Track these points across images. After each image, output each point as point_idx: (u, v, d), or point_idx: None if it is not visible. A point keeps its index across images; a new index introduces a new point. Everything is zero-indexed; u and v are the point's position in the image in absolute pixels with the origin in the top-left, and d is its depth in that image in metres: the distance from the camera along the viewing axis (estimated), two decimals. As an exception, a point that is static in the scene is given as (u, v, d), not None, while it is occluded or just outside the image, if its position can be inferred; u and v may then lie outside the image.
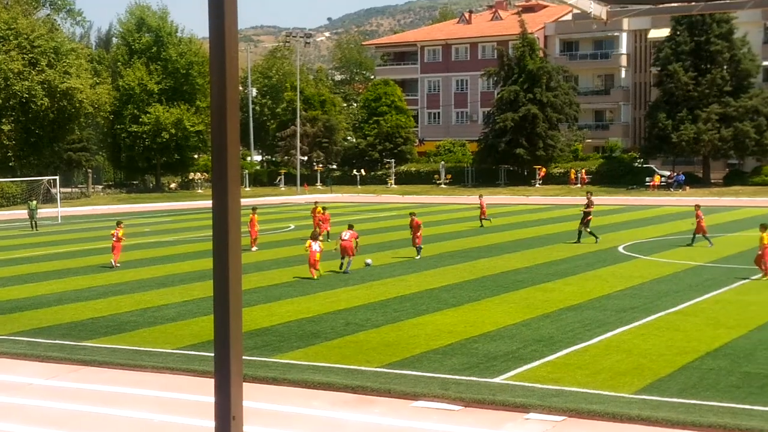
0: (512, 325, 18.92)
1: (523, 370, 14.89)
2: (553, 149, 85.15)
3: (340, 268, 28.16)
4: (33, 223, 49.54)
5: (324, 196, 78.36)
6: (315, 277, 26.72)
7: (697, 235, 34.08)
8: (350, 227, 29.41)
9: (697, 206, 35.23)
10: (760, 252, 25.63)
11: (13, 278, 28.26)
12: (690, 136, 76.13)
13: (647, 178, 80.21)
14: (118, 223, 32.01)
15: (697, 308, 20.63)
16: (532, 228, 43.39)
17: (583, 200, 38.75)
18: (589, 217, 36.44)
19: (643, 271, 27.15)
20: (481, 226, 44.19)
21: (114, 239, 30.93)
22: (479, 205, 45.68)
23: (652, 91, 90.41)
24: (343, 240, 28.37)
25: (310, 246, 27.13)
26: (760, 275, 25.26)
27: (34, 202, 52.11)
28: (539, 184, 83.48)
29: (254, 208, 36.21)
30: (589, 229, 36.30)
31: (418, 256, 31.64)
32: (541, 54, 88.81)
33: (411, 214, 33.60)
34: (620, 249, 33.60)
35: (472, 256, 31.86)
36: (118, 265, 30.49)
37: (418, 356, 16.11)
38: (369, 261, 29.67)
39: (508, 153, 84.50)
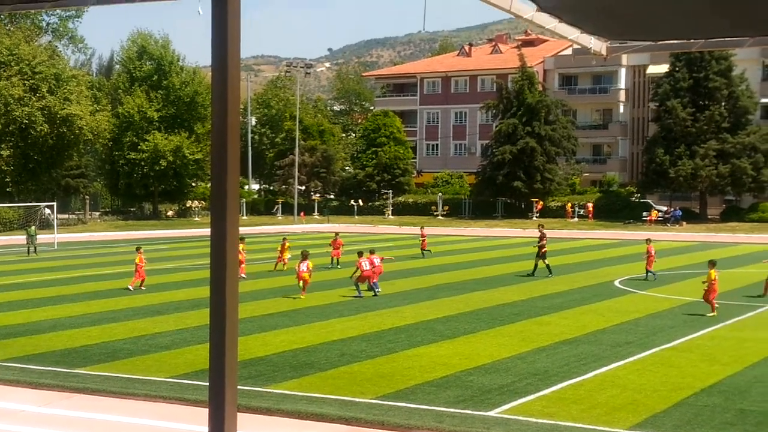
0: (507, 358, 18.86)
1: (517, 404, 14.82)
2: (550, 182, 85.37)
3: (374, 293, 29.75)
4: (32, 248, 49.43)
5: (321, 226, 78.37)
6: (302, 296, 28.54)
7: (648, 271, 34.85)
8: (372, 252, 31.05)
9: (648, 240, 36.29)
10: (706, 289, 25.42)
11: (8, 304, 28.16)
12: (687, 172, 76.38)
13: (644, 213, 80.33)
14: (138, 249, 33.19)
15: (693, 344, 20.58)
16: (529, 261, 43.33)
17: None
18: (543, 250, 36.49)
19: (639, 306, 27.12)
20: (423, 256, 45.30)
21: (137, 265, 32.05)
22: (420, 236, 47.17)
23: (650, 126, 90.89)
24: (365, 271, 29.77)
25: (298, 265, 28.82)
26: (711, 313, 25.00)
27: (33, 227, 52.12)
28: (536, 216, 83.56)
29: (242, 238, 34.61)
30: (546, 262, 36.26)
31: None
32: (540, 88, 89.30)
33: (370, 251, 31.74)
34: (616, 283, 33.58)
35: (467, 288, 31.83)
36: (131, 288, 31.45)
37: (413, 388, 16.04)
38: (378, 289, 30.21)
39: (506, 185, 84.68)
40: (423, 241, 46.70)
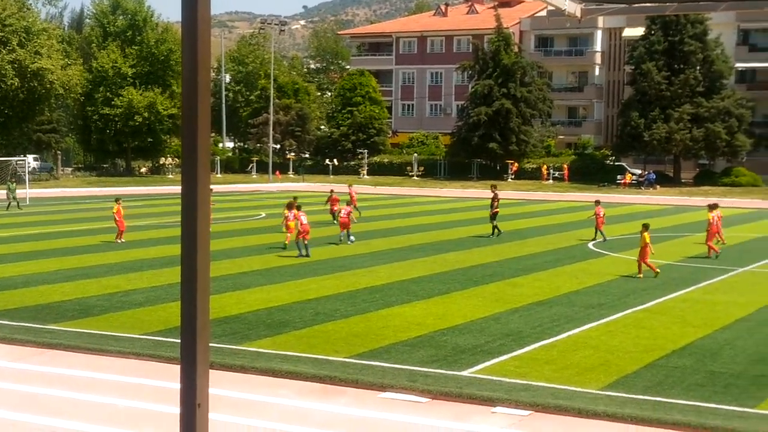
0: (481, 318, 18.96)
1: (490, 364, 14.92)
2: (525, 144, 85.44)
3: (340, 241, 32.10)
4: (15, 203, 50.17)
5: (296, 185, 78.17)
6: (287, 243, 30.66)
7: (599, 231, 35.41)
8: (299, 208, 30.51)
9: (597, 202, 36.84)
10: (640, 251, 25.75)
11: (-21, 259, 27.96)
12: (662, 136, 76.67)
13: (618, 176, 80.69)
14: (117, 200, 34.12)
15: (665, 306, 20.77)
16: (503, 222, 43.39)
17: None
18: (495, 211, 36.53)
19: (612, 269, 27.30)
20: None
21: (117, 215, 33.19)
22: (349, 195, 43.52)
23: (625, 89, 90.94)
24: (341, 216, 33.62)
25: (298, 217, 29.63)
26: (639, 275, 25.35)
27: (14, 183, 52.43)
28: (511, 178, 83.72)
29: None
30: (494, 223, 36.29)
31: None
32: (516, 49, 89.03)
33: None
34: (590, 246, 33.76)
35: (442, 249, 31.90)
36: (120, 241, 32.79)
37: (386, 348, 16.10)
38: (352, 238, 31.61)
39: (481, 147, 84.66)
40: (352, 199, 44.34)
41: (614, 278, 25.26)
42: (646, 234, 25.61)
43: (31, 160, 78.79)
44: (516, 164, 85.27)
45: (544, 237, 36.70)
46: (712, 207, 31.68)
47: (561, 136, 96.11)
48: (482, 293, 22.40)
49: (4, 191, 52.57)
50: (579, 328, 18.03)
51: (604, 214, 35.94)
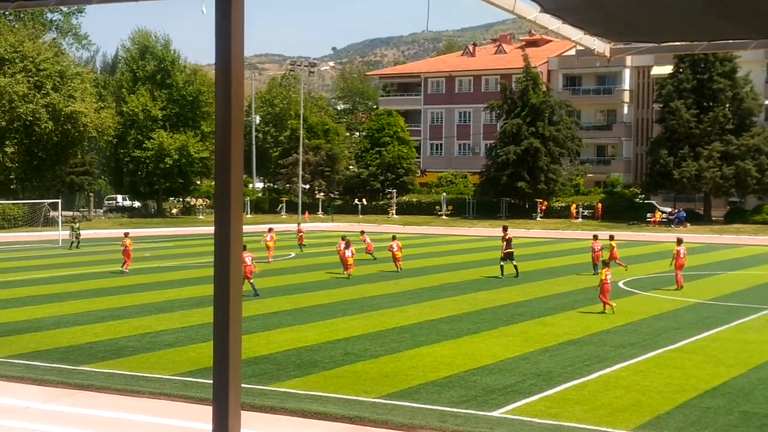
0: (511, 358, 18.88)
1: (521, 405, 14.84)
2: (554, 183, 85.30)
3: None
4: (76, 242, 52.17)
5: (325, 225, 78.39)
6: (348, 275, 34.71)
7: (595, 264, 36.10)
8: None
9: (595, 237, 38.51)
10: (599, 288, 26.19)
11: (12, 300, 28.24)
12: (692, 173, 76.30)
13: (648, 214, 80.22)
14: (126, 235, 39.07)
15: (697, 346, 20.59)
16: (533, 261, 43.36)
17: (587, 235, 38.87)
18: (508, 250, 36.10)
19: (643, 307, 27.12)
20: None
21: (125, 247, 37.69)
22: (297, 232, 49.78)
23: (654, 127, 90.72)
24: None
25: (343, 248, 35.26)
26: (603, 311, 25.74)
27: (78, 223, 55.38)
28: (540, 217, 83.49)
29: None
30: (502, 264, 35.96)
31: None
32: (544, 88, 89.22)
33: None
34: (620, 284, 33.55)
35: (471, 288, 31.84)
36: (128, 270, 36.66)
37: (416, 388, 16.06)
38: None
39: (510, 186, 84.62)
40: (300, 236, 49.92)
41: (645, 317, 25.07)
42: (603, 270, 26.29)
43: (120, 198, 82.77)
44: (545, 203, 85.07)
45: (574, 276, 36.53)
46: (679, 241, 33.35)
47: (590, 175, 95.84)
48: (512, 332, 22.32)
49: (67, 231, 54.76)
50: (610, 367, 17.91)
51: (601, 248, 36.74)
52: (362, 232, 45.09)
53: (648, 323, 24.01)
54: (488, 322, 23.93)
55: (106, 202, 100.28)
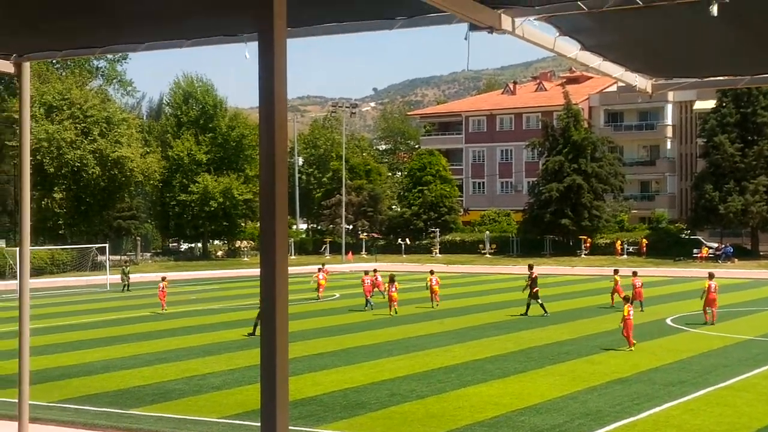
0: (559, 397, 18.70)
1: (569, 444, 14.67)
2: (598, 220, 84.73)
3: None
4: (126, 286, 53.44)
5: (369, 265, 78.44)
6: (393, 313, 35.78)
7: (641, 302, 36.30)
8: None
9: (635, 273, 38.87)
10: (622, 324, 26.12)
11: (62, 345, 28.56)
12: (738, 208, 75.44)
13: (695, 250, 79.28)
14: (163, 279, 41.63)
15: (747, 383, 20.24)
16: (578, 299, 43.03)
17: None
18: (535, 289, 35.96)
19: (692, 345, 26.75)
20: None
21: (161, 289, 40.18)
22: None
23: (698, 162, 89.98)
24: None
25: (388, 287, 36.97)
26: (628, 348, 25.64)
27: (128, 267, 57.30)
28: (585, 254, 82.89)
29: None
30: (530, 302, 35.76)
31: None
32: (585, 125, 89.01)
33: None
34: (668, 321, 33.17)
35: (517, 327, 31.63)
36: (165, 310, 38.98)
37: (464, 428, 15.96)
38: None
39: (554, 223, 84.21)
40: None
41: (694, 354, 24.73)
42: (626, 306, 26.03)
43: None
44: (589, 240, 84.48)
45: (620, 313, 36.10)
46: (711, 276, 33.22)
47: (634, 211, 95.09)
48: (559, 371, 22.11)
49: (115, 276, 56.58)
50: (660, 406, 17.66)
51: (641, 284, 37.18)
52: (375, 270, 44.24)
53: (697, 360, 23.67)
54: (535, 361, 23.74)
55: (170, 245, 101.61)
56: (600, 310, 37.30)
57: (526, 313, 35.45)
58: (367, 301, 39.15)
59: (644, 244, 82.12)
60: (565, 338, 28.50)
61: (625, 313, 25.81)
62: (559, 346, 26.62)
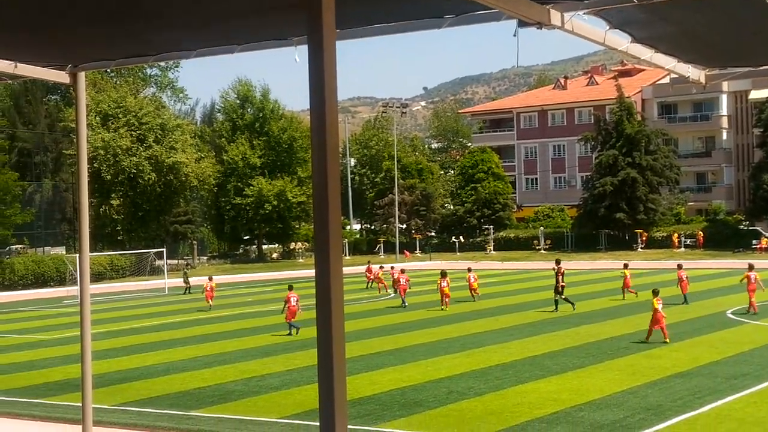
0: (618, 392, 18.54)
1: (630, 439, 14.54)
2: (654, 213, 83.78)
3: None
4: (188, 289, 54.90)
5: (423, 263, 78.40)
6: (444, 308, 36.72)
7: (685, 295, 36.42)
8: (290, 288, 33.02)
9: (680, 266, 38.32)
10: (652, 318, 25.89)
11: (123, 349, 29.00)
12: (797, 197, 74.17)
13: (754, 241, 78.00)
14: (210, 278, 44.84)
15: (812, 375, 19.89)
16: (636, 292, 42.53)
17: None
18: (561, 284, 35.80)
19: (754, 337, 26.35)
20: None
21: (207, 289, 43.01)
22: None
23: (755, 152, 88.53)
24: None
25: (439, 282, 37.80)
26: (664, 340, 25.51)
27: (189, 270, 60.04)
28: (641, 248, 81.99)
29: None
30: (557, 297, 35.73)
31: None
32: (638, 117, 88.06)
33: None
34: (728, 314, 32.69)
35: (574, 323, 31.41)
36: (211, 304, 42.10)
37: (523, 425, 15.91)
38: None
39: (608, 218, 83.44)
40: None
41: (756, 347, 24.35)
42: (655, 300, 25.73)
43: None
44: (645, 234, 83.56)
45: (679, 306, 35.72)
46: (750, 267, 33.30)
47: (690, 203, 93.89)
48: (618, 366, 21.92)
49: (173, 279, 58.47)
50: (722, 400, 17.42)
51: (686, 277, 37.05)
52: (402, 270, 44.21)
53: (759, 353, 23.31)
54: (593, 356, 23.56)
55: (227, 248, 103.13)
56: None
57: (556, 309, 35.41)
58: (402, 300, 40.01)
59: (701, 237, 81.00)
60: (623, 333, 28.23)
61: (655, 305, 25.59)
62: (617, 341, 26.38)
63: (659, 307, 25.54)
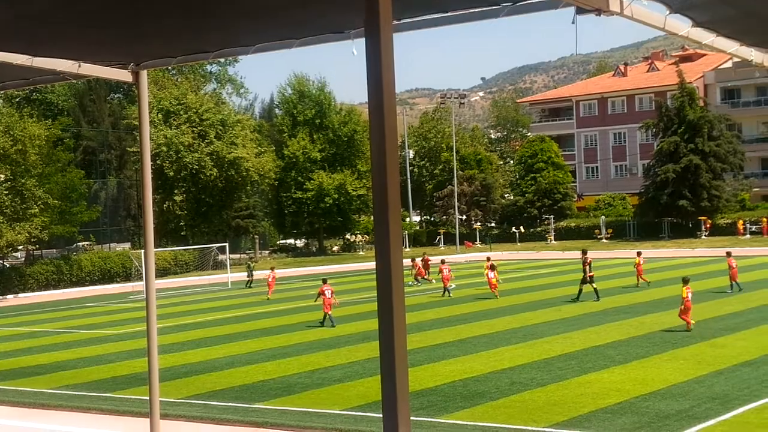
0: (683, 382, 18.32)
1: (697, 430, 14.39)
2: (718, 200, 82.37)
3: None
4: (251, 282, 55.54)
5: (484, 254, 78.16)
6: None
7: (733, 282, 36.42)
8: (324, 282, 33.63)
9: (729, 254, 37.87)
10: (682, 306, 25.82)
11: (188, 342, 29.40)
12: None
13: (823, 227, 76.36)
14: (271, 269, 46.70)
15: None
16: (700, 281, 41.86)
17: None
18: (590, 274, 36.07)
19: (823, 324, 25.82)
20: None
21: (269, 279, 45.63)
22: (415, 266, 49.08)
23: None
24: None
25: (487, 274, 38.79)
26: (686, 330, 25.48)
27: (253, 263, 61.48)
28: (705, 236, 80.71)
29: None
30: (594, 285, 35.98)
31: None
32: (701, 103, 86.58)
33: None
34: (796, 301, 32.06)
35: (637, 312, 31.07)
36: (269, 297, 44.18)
37: (587, 415, 15.81)
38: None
39: (671, 205, 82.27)
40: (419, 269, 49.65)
41: (826, 335, 23.86)
42: (684, 288, 25.70)
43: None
44: (709, 221, 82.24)
45: (744, 294, 35.14)
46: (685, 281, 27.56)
47: (756, 189, 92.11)
48: (683, 355, 21.65)
49: (236, 273, 59.39)
50: (790, 388, 17.13)
51: (736, 265, 37.04)
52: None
53: (829, 341, 22.85)
54: (657, 346, 23.30)
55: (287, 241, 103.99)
56: (721, 293, 36.27)
57: (578, 298, 35.77)
58: (445, 289, 41.01)
59: (766, 224, 79.48)
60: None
61: (684, 295, 25.65)
62: (682, 330, 26.03)
63: (689, 296, 25.66)
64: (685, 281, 26.29)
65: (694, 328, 26.08)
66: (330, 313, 31.67)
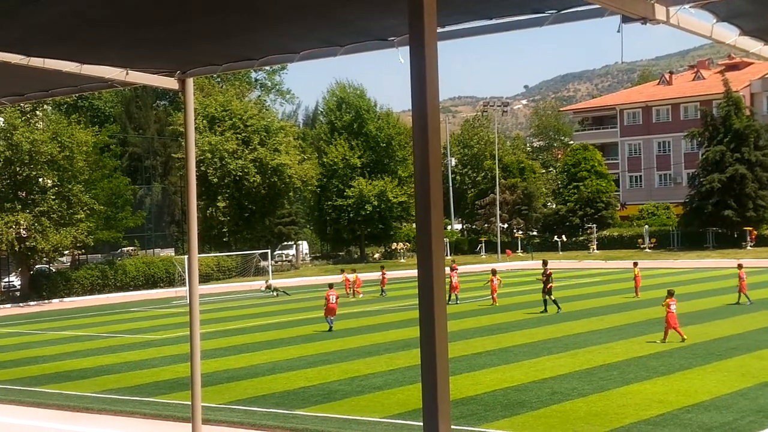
0: (728, 394, 18.10)
1: (741, 443, 14.18)
2: (764, 210, 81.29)
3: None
4: (283, 291, 55.92)
5: (525, 263, 77.78)
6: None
7: (741, 294, 36.17)
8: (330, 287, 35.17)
9: (740, 266, 37.28)
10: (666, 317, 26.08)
11: (230, 348, 29.57)
12: None
13: None
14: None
15: None
16: (748, 292, 41.37)
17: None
18: (549, 285, 36.11)
19: None
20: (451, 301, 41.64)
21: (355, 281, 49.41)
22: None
23: None
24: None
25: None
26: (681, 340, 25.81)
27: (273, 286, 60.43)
28: (750, 246, 79.65)
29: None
30: (552, 297, 36.15)
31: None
32: (747, 112, 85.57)
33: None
34: None
35: (680, 323, 30.70)
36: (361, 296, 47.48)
37: (628, 427, 15.67)
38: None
39: (716, 215, 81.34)
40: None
41: None
42: (668, 300, 26.04)
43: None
44: (755, 231, 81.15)
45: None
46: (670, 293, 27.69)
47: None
48: (726, 367, 21.38)
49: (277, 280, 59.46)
50: (838, 402, 16.85)
51: (745, 277, 36.60)
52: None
53: None
54: (701, 357, 23.04)
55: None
56: (766, 304, 35.81)
57: (545, 310, 35.89)
58: (455, 296, 42.07)
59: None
60: (732, 333, 27.53)
61: (665, 306, 26.15)
62: (726, 342, 25.74)
63: (672, 308, 25.99)
64: (670, 293, 26.69)
65: (738, 339, 25.74)
66: (332, 318, 33.17)
